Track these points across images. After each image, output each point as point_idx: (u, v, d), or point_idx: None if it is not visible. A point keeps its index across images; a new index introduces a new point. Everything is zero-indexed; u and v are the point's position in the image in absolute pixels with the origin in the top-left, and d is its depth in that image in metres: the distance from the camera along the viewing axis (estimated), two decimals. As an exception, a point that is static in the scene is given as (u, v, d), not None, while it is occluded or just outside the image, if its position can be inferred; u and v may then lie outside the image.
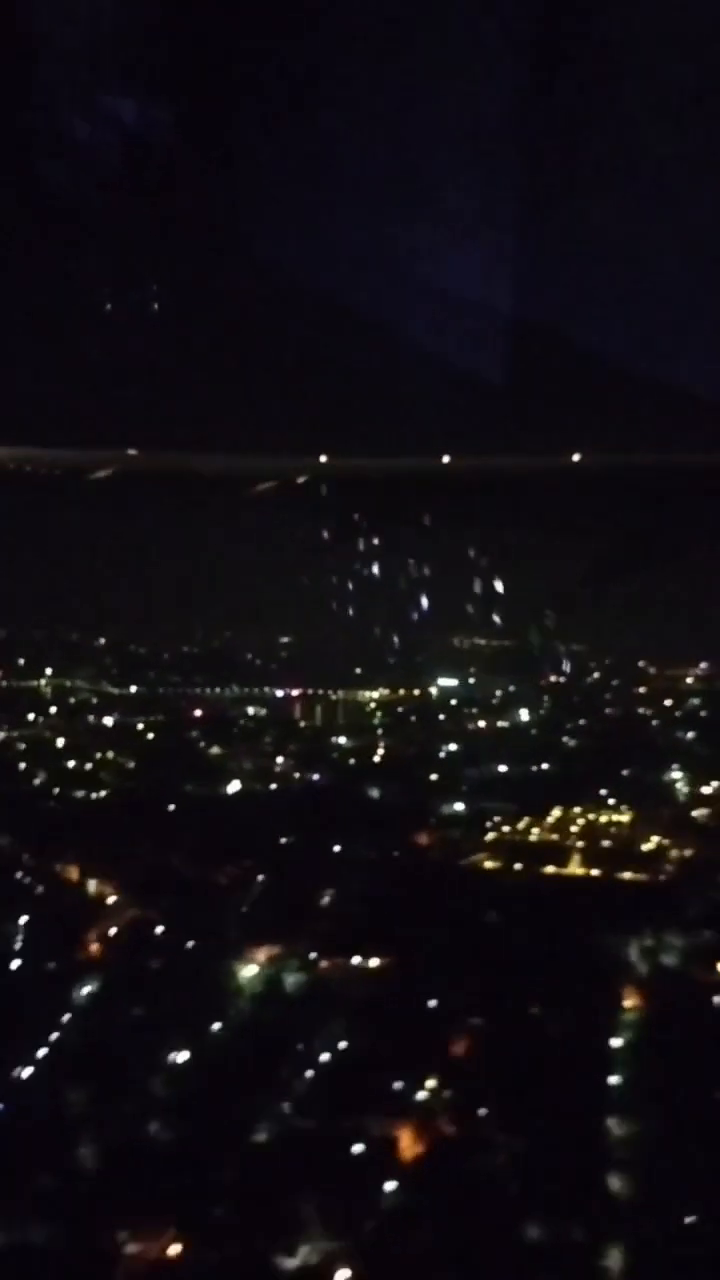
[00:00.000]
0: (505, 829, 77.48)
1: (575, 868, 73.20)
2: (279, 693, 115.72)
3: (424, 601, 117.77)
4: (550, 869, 73.25)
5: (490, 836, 75.49)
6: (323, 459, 71.30)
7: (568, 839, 76.00)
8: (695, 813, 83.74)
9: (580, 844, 75.67)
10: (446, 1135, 44.22)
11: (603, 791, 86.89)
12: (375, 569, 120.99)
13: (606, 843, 74.79)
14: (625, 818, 78.59)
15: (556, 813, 78.84)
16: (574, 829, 77.02)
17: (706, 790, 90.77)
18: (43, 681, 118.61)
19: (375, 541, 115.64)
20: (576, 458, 65.46)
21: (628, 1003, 55.20)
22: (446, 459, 66.90)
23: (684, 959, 60.73)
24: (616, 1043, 51.23)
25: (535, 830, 77.04)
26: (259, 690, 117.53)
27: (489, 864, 73.37)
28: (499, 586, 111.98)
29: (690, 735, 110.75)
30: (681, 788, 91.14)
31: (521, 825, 77.85)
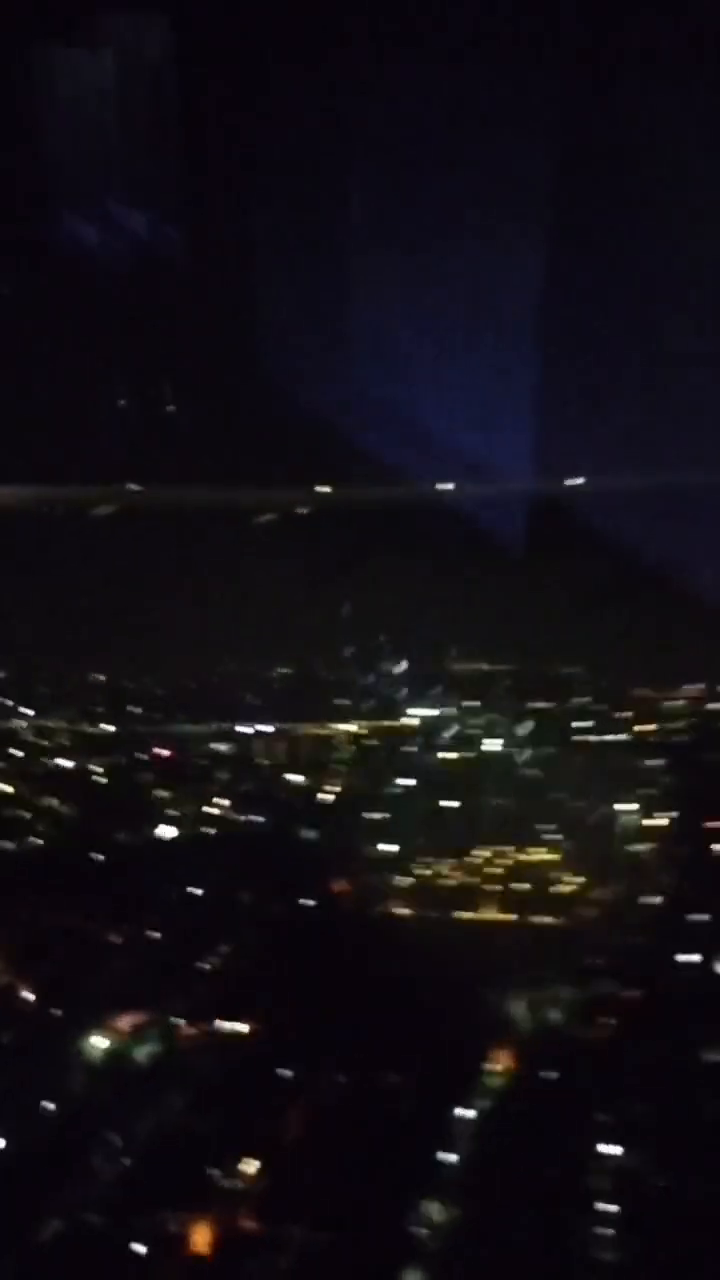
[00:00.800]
0: (429, 871, 73.92)
1: (488, 912, 69.58)
2: (249, 729, 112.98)
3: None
4: (463, 914, 69.50)
5: (409, 881, 71.89)
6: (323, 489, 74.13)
7: (488, 881, 72.26)
8: (636, 847, 79.71)
9: (498, 887, 71.86)
10: (242, 1232, 40.81)
11: (549, 826, 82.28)
12: (373, 593, 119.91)
13: (525, 885, 70.95)
14: (554, 856, 74.70)
15: (485, 853, 75.15)
16: (498, 870, 73.64)
17: (656, 823, 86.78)
18: (23, 722, 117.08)
19: (371, 567, 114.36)
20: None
21: (495, 1066, 51.26)
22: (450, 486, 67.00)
23: (569, 1014, 57.07)
24: (467, 1114, 47.06)
25: (458, 873, 73.49)
26: (231, 726, 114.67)
27: (401, 910, 69.87)
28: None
29: (659, 763, 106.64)
30: (629, 820, 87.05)
31: (446, 868, 74.11)
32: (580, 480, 64.97)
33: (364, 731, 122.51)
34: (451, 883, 76.52)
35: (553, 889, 75.58)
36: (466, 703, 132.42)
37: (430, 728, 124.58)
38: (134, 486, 62.30)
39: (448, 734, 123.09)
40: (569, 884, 76.65)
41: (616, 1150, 46.19)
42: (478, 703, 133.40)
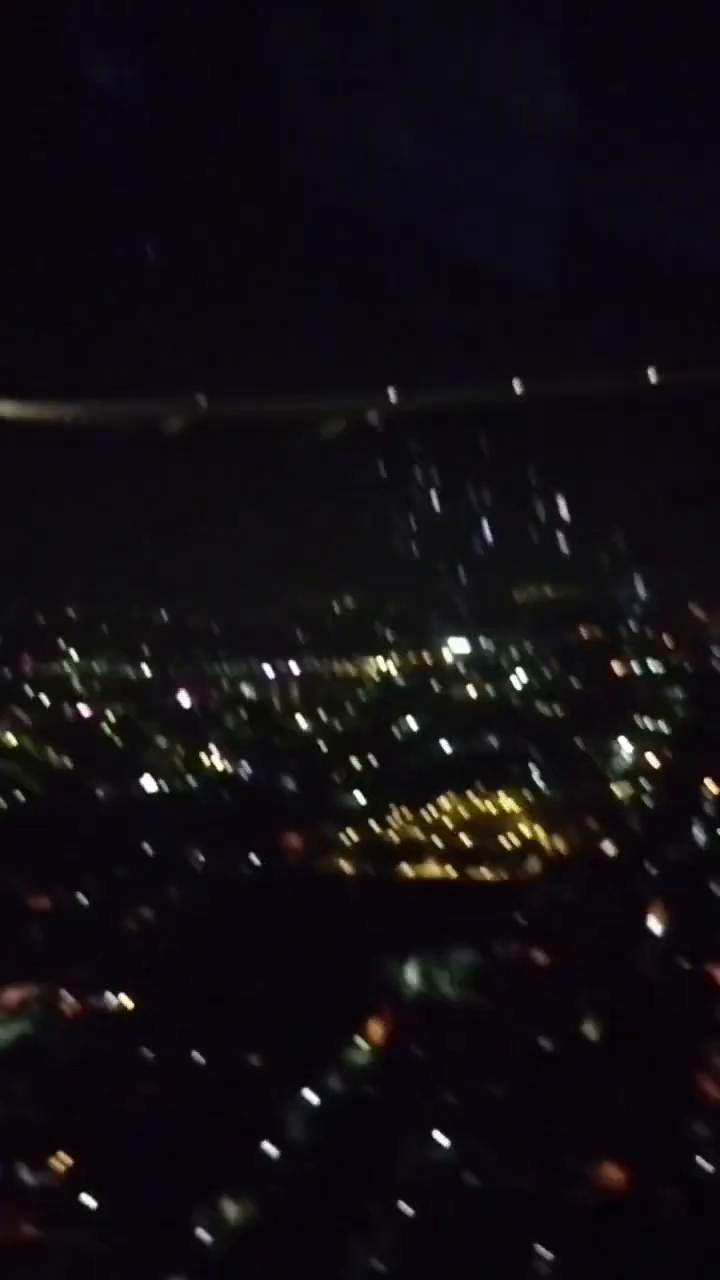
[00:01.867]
0: (390, 824, 72.05)
1: (431, 868, 67.57)
2: (271, 669, 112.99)
3: (488, 532, 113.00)
4: (406, 869, 67.65)
5: (358, 837, 70.20)
6: (391, 395, 70.80)
7: (444, 834, 70.28)
8: (617, 788, 76.99)
9: (453, 841, 69.62)
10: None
11: (530, 767, 79.90)
12: (438, 506, 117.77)
13: (478, 838, 68.59)
14: (518, 806, 72.28)
15: (445, 804, 72.97)
16: (453, 821, 71.26)
17: (653, 762, 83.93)
18: (66, 665, 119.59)
19: (437, 478, 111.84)
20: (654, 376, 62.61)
21: (370, 1037, 49.40)
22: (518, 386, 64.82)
23: (461, 983, 54.95)
24: (312, 1099, 45.41)
25: (412, 827, 71.51)
26: (259, 666, 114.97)
27: (345, 867, 68.29)
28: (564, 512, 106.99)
29: (680, 695, 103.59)
30: (623, 759, 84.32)
31: (406, 820, 72.19)
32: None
33: (391, 670, 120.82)
34: (406, 836, 73.88)
35: (499, 843, 72.06)
36: (513, 632, 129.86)
37: (466, 662, 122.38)
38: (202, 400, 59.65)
39: (478, 669, 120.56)
40: (528, 835, 73.35)
41: (444, 1142, 43.12)
42: (523, 632, 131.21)
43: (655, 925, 62.28)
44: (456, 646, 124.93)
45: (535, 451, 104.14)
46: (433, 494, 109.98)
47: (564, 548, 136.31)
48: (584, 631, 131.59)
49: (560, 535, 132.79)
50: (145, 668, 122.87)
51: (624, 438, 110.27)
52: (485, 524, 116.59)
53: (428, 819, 76.43)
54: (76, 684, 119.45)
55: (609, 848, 73.41)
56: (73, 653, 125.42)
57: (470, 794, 79.17)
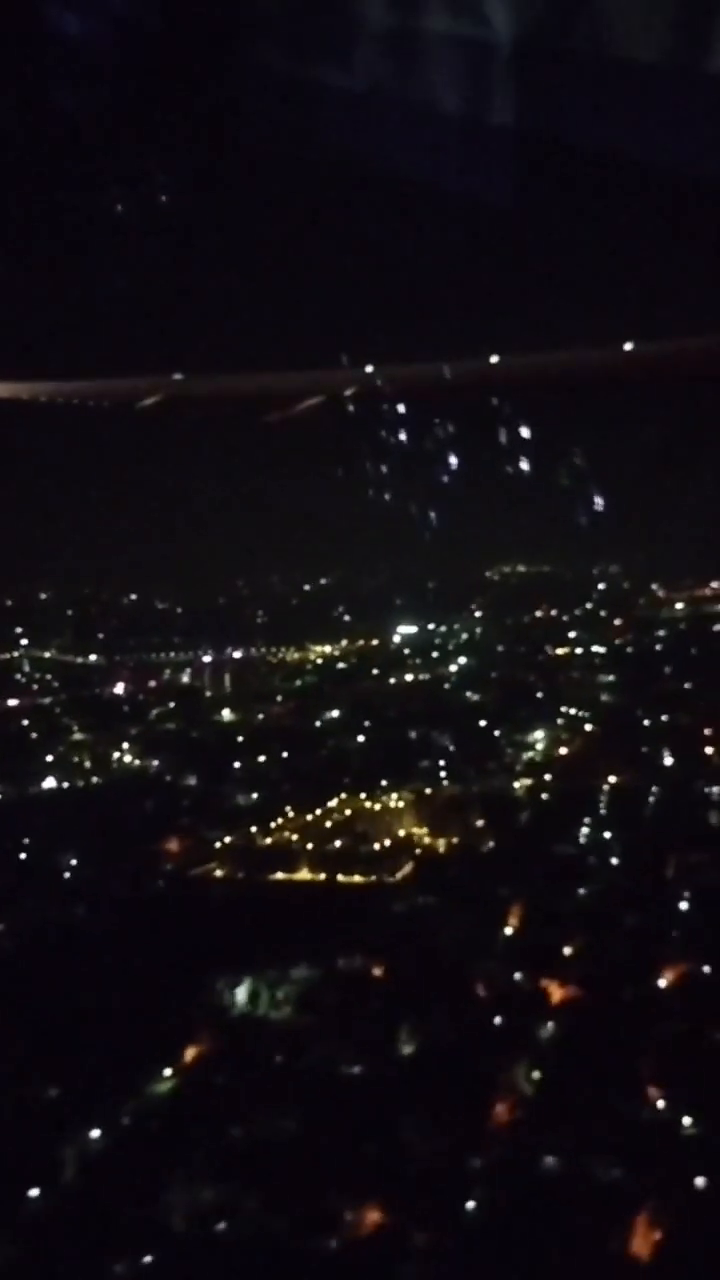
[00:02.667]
0: (263, 829, 70.00)
1: (303, 873, 65.29)
2: (213, 656, 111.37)
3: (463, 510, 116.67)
4: (279, 874, 65.35)
5: (237, 841, 67.98)
6: (369, 369, 64.77)
7: (317, 838, 67.92)
8: (518, 782, 74.40)
9: (323, 844, 67.31)
10: None
11: (440, 762, 77.73)
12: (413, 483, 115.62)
13: (347, 843, 66.35)
14: (406, 806, 69.83)
15: (333, 803, 70.66)
16: (335, 823, 68.98)
17: (563, 752, 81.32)
18: (17, 653, 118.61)
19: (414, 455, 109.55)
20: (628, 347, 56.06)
21: (179, 1065, 47.25)
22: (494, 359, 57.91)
23: (287, 1002, 52.71)
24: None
25: (292, 829, 69.18)
26: (205, 652, 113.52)
27: (217, 873, 66.09)
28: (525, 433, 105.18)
29: (613, 678, 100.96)
30: (534, 750, 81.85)
31: (283, 822, 69.99)
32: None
33: (340, 652, 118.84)
34: (283, 840, 71.41)
35: (380, 844, 69.59)
36: (468, 614, 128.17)
37: (412, 646, 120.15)
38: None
39: (420, 654, 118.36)
40: (408, 836, 70.85)
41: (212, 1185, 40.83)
42: (483, 612, 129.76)
43: (506, 934, 58.14)
44: (404, 630, 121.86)
45: (513, 424, 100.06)
46: (407, 471, 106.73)
47: (540, 523, 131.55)
48: (539, 612, 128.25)
49: (537, 511, 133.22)
50: (94, 655, 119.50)
51: (606, 407, 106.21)
52: (461, 501, 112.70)
53: (311, 820, 73.21)
54: (25, 672, 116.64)
55: (489, 846, 69.48)
56: (24, 641, 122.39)
57: (363, 793, 75.60)
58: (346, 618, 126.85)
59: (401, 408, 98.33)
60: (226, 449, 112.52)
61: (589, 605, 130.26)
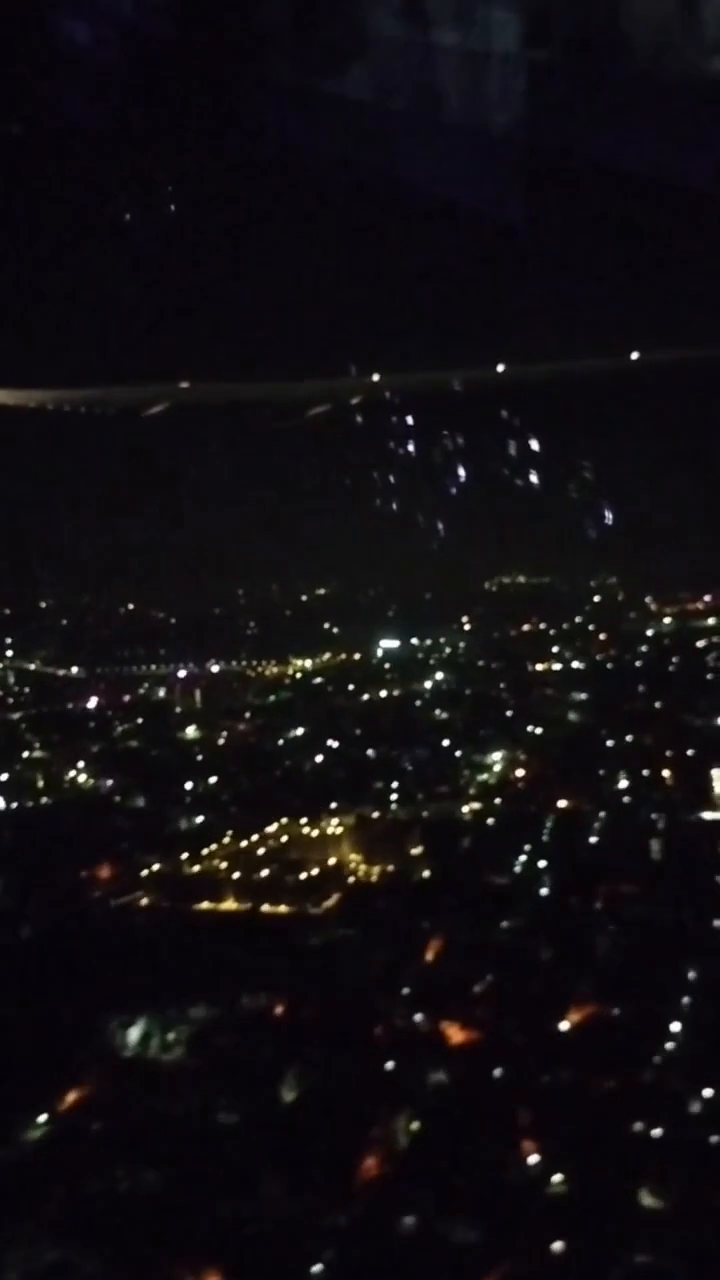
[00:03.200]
0: (194, 856, 68.63)
1: (228, 903, 63.85)
2: (184, 671, 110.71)
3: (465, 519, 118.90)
4: (202, 905, 64.09)
5: (166, 868, 66.64)
6: (375, 377, 70.48)
7: (246, 866, 66.49)
8: (467, 806, 72.87)
9: (251, 873, 65.86)
10: None
11: (394, 784, 76.55)
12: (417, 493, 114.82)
13: (275, 871, 64.84)
14: (339, 831, 68.36)
15: (271, 829, 69.23)
16: (269, 849, 67.56)
17: (519, 774, 79.69)
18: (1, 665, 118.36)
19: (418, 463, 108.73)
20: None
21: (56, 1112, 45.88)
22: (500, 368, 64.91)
23: (179, 1043, 51.25)
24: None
25: (223, 857, 67.71)
26: (179, 667, 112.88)
27: (142, 902, 64.65)
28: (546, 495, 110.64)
29: (585, 696, 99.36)
30: (491, 772, 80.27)
31: (218, 849, 68.63)
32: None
33: (319, 666, 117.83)
34: (212, 868, 69.94)
35: (308, 874, 67.95)
36: (454, 627, 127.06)
37: (392, 661, 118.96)
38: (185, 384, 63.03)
39: (400, 669, 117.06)
40: (340, 864, 69.22)
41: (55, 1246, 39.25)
42: (470, 625, 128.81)
43: (418, 970, 56.25)
44: (388, 644, 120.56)
45: (519, 432, 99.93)
46: (414, 480, 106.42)
47: (547, 534, 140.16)
48: (527, 626, 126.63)
49: (544, 521, 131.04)
50: (76, 668, 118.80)
51: (613, 415, 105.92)
52: (469, 511, 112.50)
53: (245, 847, 71.59)
54: (4, 685, 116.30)
55: (421, 876, 67.60)
56: (9, 653, 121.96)
57: (307, 817, 73.93)
58: (335, 630, 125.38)
59: (410, 417, 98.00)
60: (233, 457, 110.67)
61: (579, 619, 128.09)
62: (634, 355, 63.85)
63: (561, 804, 77.33)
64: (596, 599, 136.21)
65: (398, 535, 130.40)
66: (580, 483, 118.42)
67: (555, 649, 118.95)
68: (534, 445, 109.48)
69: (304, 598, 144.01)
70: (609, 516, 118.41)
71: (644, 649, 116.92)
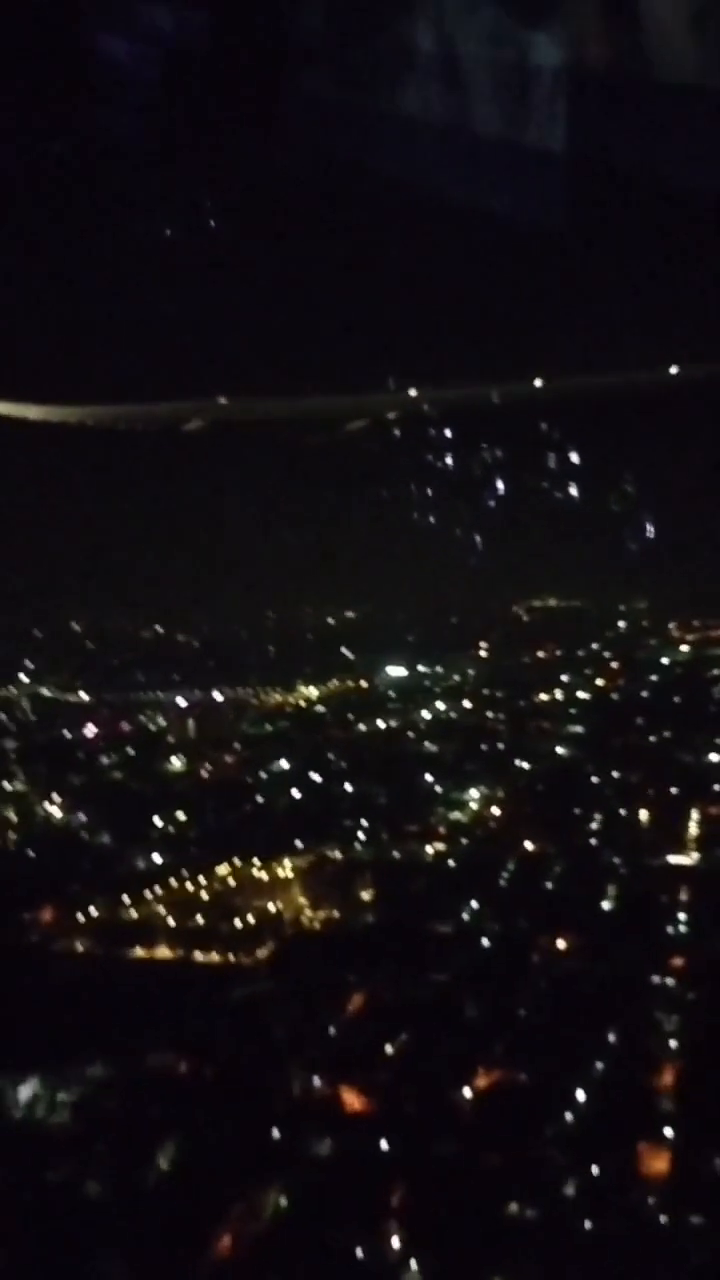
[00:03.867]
0: (136, 899, 67.20)
1: (159, 950, 62.26)
2: (182, 701, 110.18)
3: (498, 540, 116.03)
4: (134, 952, 62.56)
5: (104, 913, 65.22)
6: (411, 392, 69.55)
7: (182, 913, 65.08)
8: (431, 846, 71.09)
9: (187, 920, 64.37)
10: None
11: (364, 822, 75.03)
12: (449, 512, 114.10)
13: (206, 918, 63.26)
14: (291, 874, 66.72)
15: (221, 870, 67.73)
16: (212, 893, 65.96)
17: (494, 813, 77.90)
18: (14, 688, 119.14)
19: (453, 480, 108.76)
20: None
21: None
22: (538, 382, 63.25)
23: (69, 1105, 49.62)
24: None
25: (163, 902, 66.68)
26: (183, 694, 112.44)
27: (77, 947, 63.28)
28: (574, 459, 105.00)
29: (581, 729, 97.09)
30: (466, 810, 78.41)
31: (159, 892, 67.35)
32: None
33: (323, 694, 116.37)
34: (150, 913, 68.16)
35: (243, 921, 65.98)
36: (478, 650, 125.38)
37: (397, 689, 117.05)
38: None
39: (404, 697, 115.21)
40: (282, 911, 67.18)
41: None
42: (483, 652, 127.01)
43: (333, 1028, 53.95)
44: (395, 671, 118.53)
45: (559, 445, 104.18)
46: (452, 497, 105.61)
47: (582, 549, 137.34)
48: (542, 652, 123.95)
49: (580, 535, 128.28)
50: (84, 693, 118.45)
51: (654, 429, 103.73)
52: (507, 528, 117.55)
53: (189, 891, 69.66)
54: (10, 711, 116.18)
55: (364, 922, 65.24)
56: (24, 677, 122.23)
57: (269, 856, 71.99)
58: (352, 655, 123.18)
59: (448, 431, 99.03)
60: (271, 472, 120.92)
61: (596, 645, 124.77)
62: (673, 369, 60.28)
63: (528, 846, 73.48)
64: (621, 625, 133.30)
65: (434, 551, 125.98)
66: (621, 496, 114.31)
67: (565, 677, 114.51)
68: (574, 458, 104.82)
69: (331, 620, 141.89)
70: (650, 530, 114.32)
71: (654, 678, 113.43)
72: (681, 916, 62.49)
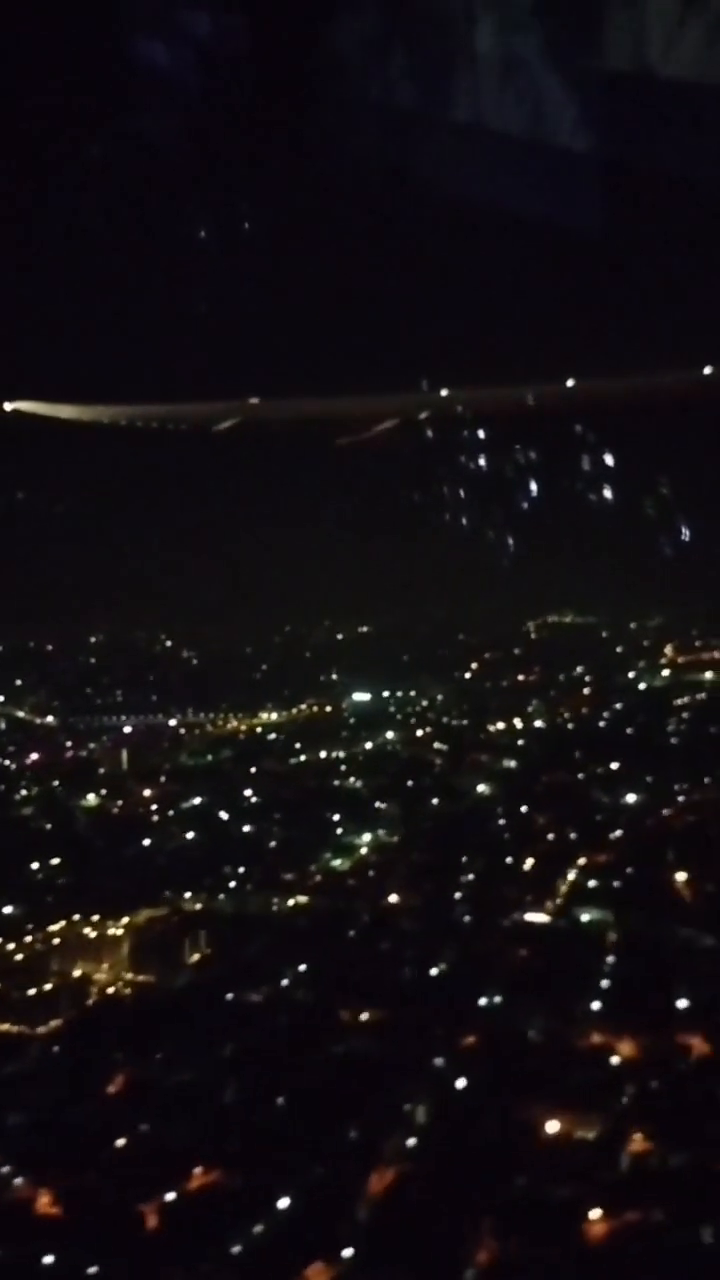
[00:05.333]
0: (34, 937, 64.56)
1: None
2: (128, 728, 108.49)
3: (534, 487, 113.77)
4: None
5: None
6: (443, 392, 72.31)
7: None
8: (290, 903, 68.07)
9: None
10: None
11: (258, 868, 74.25)
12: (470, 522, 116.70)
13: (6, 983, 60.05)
14: (116, 932, 63.67)
15: (54, 928, 64.89)
16: (24, 955, 63.25)
17: (373, 860, 74.94)
18: None
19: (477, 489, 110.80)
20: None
21: None
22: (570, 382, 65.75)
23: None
24: None
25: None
26: (137, 719, 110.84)
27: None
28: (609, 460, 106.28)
29: (514, 764, 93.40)
30: (357, 855, 75.12)
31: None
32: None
33: (283, 720, 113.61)
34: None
35: (46, 986, 62.29)
36: (463, 672, 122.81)
37: (360, 715, 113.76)
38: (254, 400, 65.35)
39: (364, 725, 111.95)
40: (90, 974, 63.49)
41: None
42: (468, 674, 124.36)
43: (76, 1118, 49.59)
44: (360, 697, 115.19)
45: (594, 447, 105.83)
46: (484, 503, 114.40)
47: (615, 555, 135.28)
48: (523, 675, 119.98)
49: (613, 539, 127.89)
50: (51, 717, 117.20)
51: (690, 431, 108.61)
52: (527, 539, 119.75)
53: (12, 949, 65.70)
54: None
55: (164, 989, 61.11)
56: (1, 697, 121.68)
57: (104, 914, 67.80)
58: (336, 677, 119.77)
59: (481, 432, 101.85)
60: (302, 472, 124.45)
61: (581, 668, 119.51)
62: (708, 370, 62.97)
63: (391, 899, 67.99)
64: (619, 647, 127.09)
65: (460, 559, 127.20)
66: (656, 499, 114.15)
67: (532, 705, 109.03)
68: (608, 461, 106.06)
69: (340, 636, 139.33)
70: (685, 535, 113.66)
71: (619, 706, 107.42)
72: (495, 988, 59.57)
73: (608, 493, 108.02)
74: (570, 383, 65.45)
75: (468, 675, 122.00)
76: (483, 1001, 55.76)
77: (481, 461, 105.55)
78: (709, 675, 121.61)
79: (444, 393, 71.36)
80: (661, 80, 33.79)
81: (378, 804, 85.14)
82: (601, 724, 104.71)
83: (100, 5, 47.28)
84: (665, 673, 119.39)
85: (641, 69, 34.34)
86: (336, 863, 75.80)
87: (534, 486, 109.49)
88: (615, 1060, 49.42)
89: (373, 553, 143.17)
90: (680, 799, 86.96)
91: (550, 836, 76.39)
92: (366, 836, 78.64)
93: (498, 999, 55.66)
